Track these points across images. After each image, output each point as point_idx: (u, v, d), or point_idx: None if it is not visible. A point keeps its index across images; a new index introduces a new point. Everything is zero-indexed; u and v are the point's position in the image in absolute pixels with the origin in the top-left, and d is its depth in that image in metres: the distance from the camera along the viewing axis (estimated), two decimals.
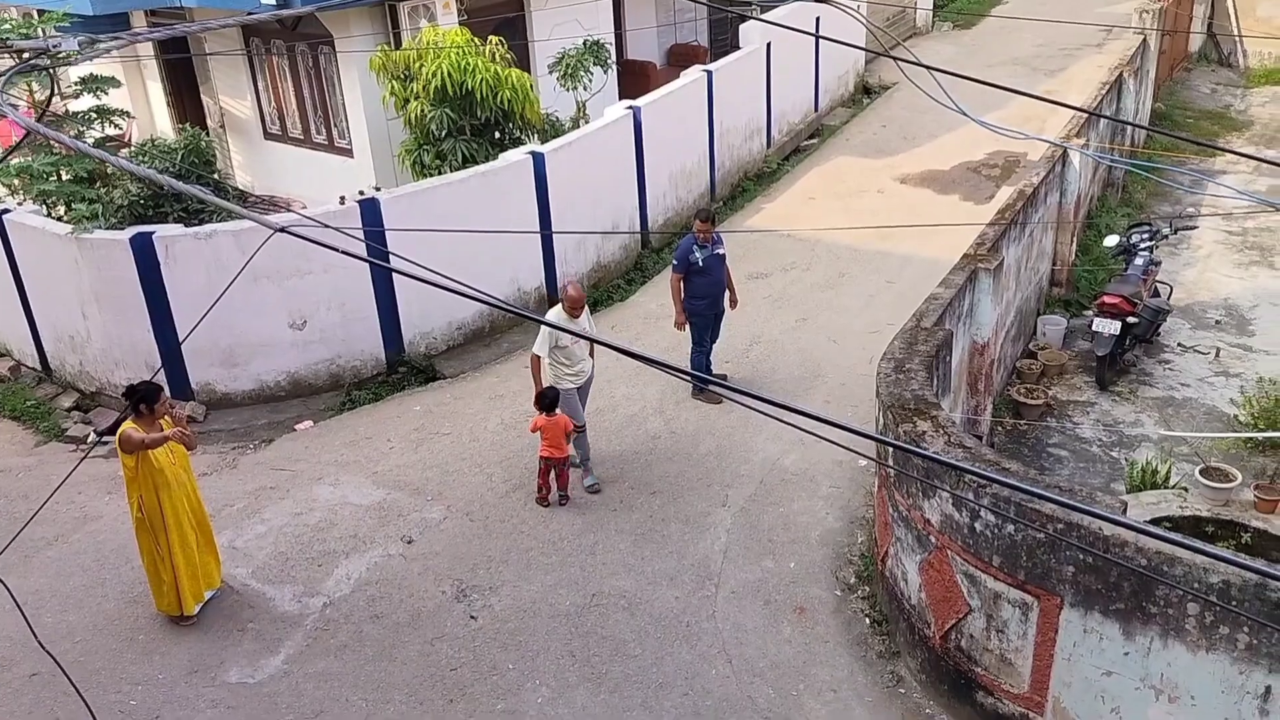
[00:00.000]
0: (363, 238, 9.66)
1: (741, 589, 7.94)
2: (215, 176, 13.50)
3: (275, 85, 15.43)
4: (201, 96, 16.44)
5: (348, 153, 14.68)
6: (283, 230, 3.54)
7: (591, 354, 9.15)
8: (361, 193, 10.90)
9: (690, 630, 7.57)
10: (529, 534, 8.62)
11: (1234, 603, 5.31)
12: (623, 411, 9.93)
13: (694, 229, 9.85)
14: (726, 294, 10.10)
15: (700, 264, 9.75)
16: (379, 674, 7.30)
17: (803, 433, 9.30)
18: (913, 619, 7.05)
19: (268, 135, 15.85)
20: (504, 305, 6.15)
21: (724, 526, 8.58)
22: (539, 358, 8.83)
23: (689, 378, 8.53)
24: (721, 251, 9.92)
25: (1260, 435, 9.17)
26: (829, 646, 7.41)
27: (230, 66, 15.64)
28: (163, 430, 7.37)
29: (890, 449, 7.09)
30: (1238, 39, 20.18)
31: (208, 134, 14.50)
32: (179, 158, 12.67)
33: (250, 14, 11.87)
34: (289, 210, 13.12)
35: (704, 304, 9.96)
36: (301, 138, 15.42)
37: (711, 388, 8.25)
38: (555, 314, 8.87)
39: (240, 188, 15.65)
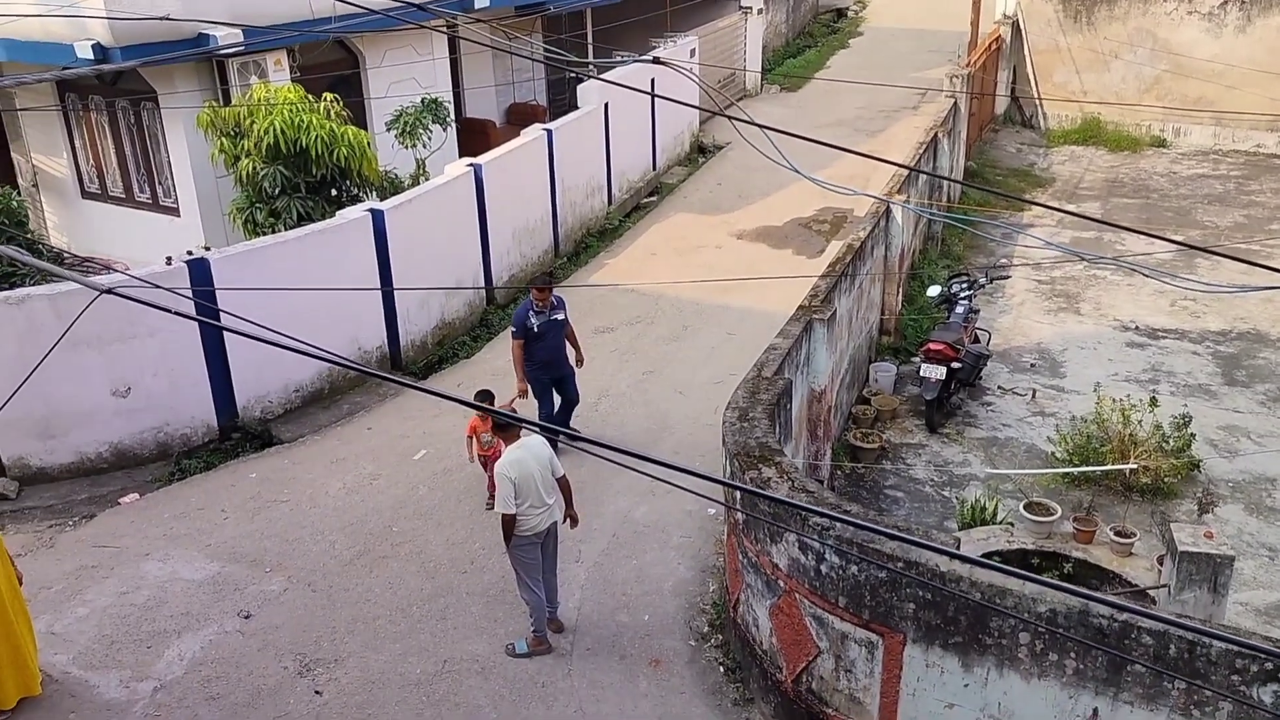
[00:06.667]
0: (192, 299, 9.27)
1: (597, 645, 7.89)
2: (28, 237, 12.73)
3: (93, 142, 14.75)
4: (11, 154, 15.53)
5: (174, 211, 14.12)
6: (109, 292, 3.36)
7: (566, 498, 7.78)
8: (190, 253, 10.48)
9: (546, 691, 7.46)
10: (375, 602, 8.34)
11: (1061, 630, 5.61)
12: (473, 470, 9.76)
13: (531, 295, 9.81)
14: (572, 355, 10.06)
15: (535, 329, 9.67)
16: None
17: (653, 485, 9.41)
18: (765, 664, 7.15)
19: (86, 194, 15.10)
20: (344, 362, 6.01)
21: (578, 582, 8.53)
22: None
23: (545, 430, 8.44)
24: (560, 317, 9.80)
25: (1075, 470, 9.79)
26: (685, 698, 7.42)
27: (43, 122, 14.87)
28: None
29: (738, 496, 7.22)
30: (1038, 103, 21.82)
31: (19, 193, 13.69)
32: None
33: (66, 68, 11.34)
34: (110, 271, 12.47)
35: (540, 368, 9.86)
36: (123, 196, 14.76)
37: (569, 441, 8.23)
38: (511, 461, 7.37)
39: (57, 249, 14.82)
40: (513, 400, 9.71)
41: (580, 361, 10.19)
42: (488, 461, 9.25)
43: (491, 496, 9.14)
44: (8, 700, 7.09)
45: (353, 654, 7.79)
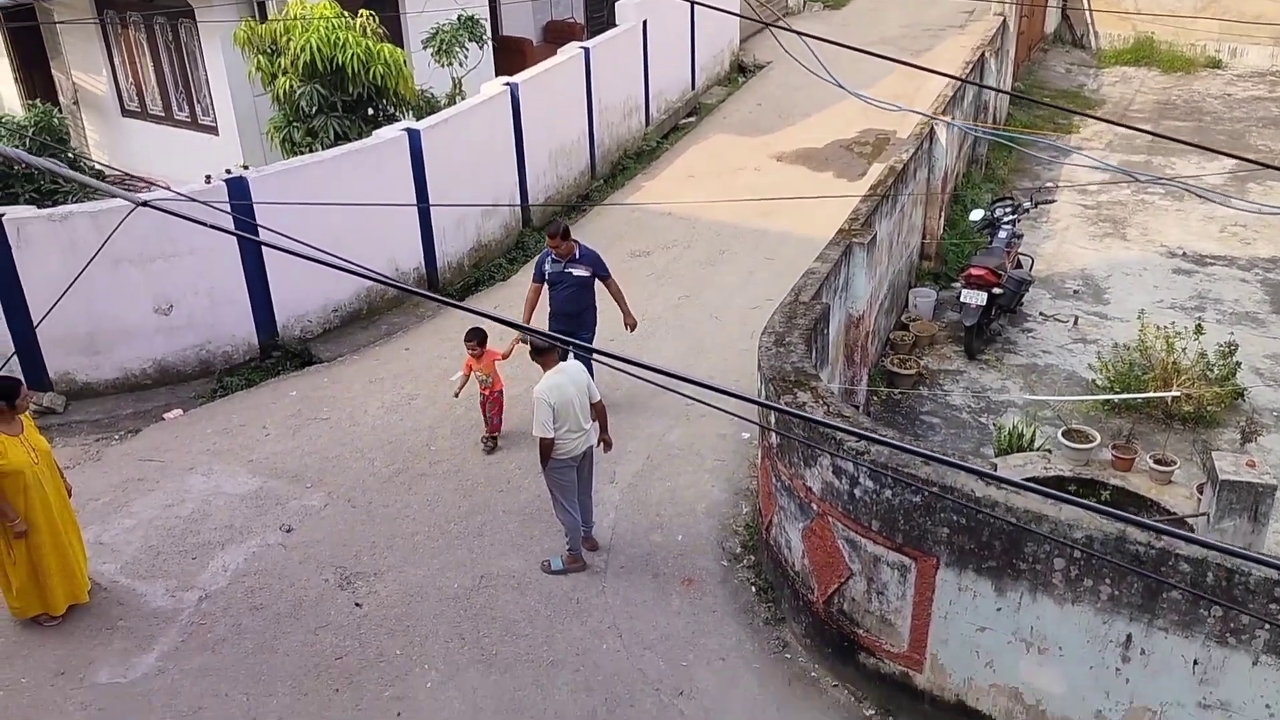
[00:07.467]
0: (231, 216, 9.30)
1: (631, 563, 7.99)
2: (70, 155, 12.80)
3: (132, 59, 14.71)
4: (52, 71, 15.55)
5: (212, 130, 14.12)
6: (146, 205, 3.37)
7: (601, 423, 7.86)
8: (228, 171, 10.49)
9: (581, 607, 7.58)
10: (414, 518, 8.48)
11: (1096, 555, 5.59)
12: (509, 392, 9.83)
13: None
14: (587, 314, 9.34)
15: (547, 277, 9.31)
16: (260, 667, 7.10)
17: (687, 408, 9.43)
18: (797, 585, 7.21)
19: (125, 112, 15.12)
20: (382, 278, 6.04)
21: (612, 503, 8.61)
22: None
23: (580, 350, 8.33)
24: (579, 273, 9.15)
25: (1116, 398, 9.68)
26: (717, 616, 7.52)
27: (83, 39, 14.83)
28: (23, 427, 6.99)
29: (773, 419, 7.21)
30: (1089, 20, 21.11)
31: (60, 111, 13.73)
32: (30, 135, 11.97)
33: None
34: (152, 189, 12.54)
35: (553, 318, 9.34)
36: (162, 115, 14.77)
37: (612, 363, 8.01)
38: (550, 385, 7.39)
39: (97, 165, 14.91)
40: (516, 340, 9.26)
41: (631, 325, 9.64)
42: (485, 401, 9.24)
43: (487, 436, 9.31)
44: (57, 607, 7.33)
45: (392, 568, 7.95)
